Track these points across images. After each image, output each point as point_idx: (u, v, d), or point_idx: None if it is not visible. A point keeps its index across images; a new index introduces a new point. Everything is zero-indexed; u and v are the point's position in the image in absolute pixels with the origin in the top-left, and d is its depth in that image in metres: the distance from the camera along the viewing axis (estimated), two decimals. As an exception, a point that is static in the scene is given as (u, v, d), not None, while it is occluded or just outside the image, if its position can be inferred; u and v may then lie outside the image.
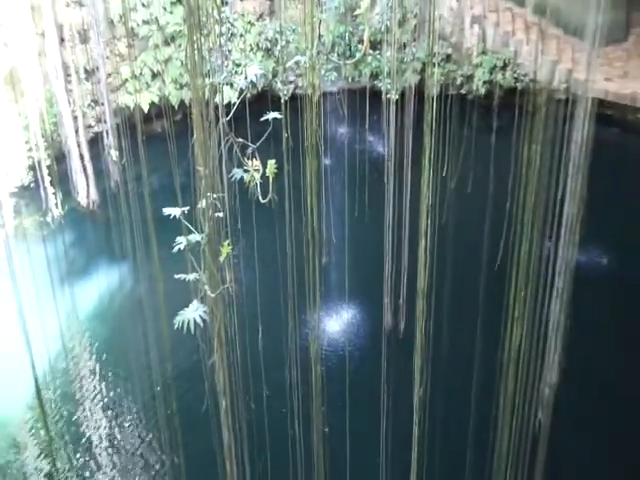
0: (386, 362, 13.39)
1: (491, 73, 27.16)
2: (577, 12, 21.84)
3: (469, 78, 27.38)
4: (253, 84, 24.45)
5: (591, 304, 18.33)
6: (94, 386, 18.65)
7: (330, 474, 10.92)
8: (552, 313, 13.49)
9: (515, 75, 26.88)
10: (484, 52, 27.66)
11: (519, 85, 26.07)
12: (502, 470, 11.14)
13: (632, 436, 17.72)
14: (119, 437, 17.57)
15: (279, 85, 24.08)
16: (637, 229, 23.39)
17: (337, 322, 19.89)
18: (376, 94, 18.71)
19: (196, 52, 8.48)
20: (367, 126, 20.53)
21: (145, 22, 25.16)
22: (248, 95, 23.23)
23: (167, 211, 8.71)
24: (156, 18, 25.19)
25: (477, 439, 13.18)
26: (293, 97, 21.72)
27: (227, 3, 25.99)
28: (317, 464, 10.60)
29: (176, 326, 7.80)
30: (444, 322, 13.55)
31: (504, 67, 27.24)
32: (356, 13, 23.98)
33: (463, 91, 26.87)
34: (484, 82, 27.07)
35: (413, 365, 10.60)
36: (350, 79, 26.65)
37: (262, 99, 24.44)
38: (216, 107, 9.21)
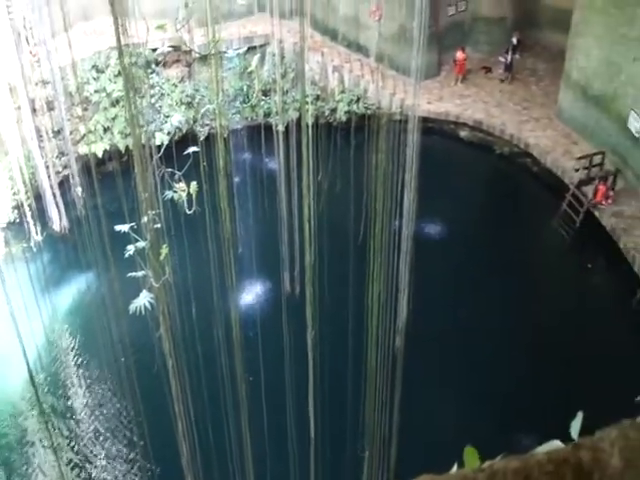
0: (287, 317, 13.40)
1: (349, 105, 26.98)
2: (405, 57, 21.99)
3: (334, 110, 27.06)
4: (179, 129, 24.10)
5: (428, 261, 18.59)
6: (75, 363, 18.25)
7: (252, 407, 11.02)
8: (401, 269, 13.72)
9: (366, 105, 26.72)
10: (343, 91, 27.48)
11: (369, 112, 25.95)
12: (372, 381, 11.28)
13: (466, 354, 18.08)
14: (95, 397, 17.26)
15: (198, 128, 23.78)
16: (455, 206, 23.84)
17: (250, 294, 19.71)
18: (269, 128, 18.60)
19: (133, 110, 8.33)
20: (263, 151, 20.42)
21: (96, 91, 24.65)
22: (176, 137, 22.94)
23: (118, 228, 8.59)
24: (104, 87, 24.72)
25: (354, 362, 13.27)
26: (210, 136, 21.42)
27: (156, 72, 25.63)
28: (242, 405, 10.59)
29: (131, 312, 7.69)
30: (326, 284, 13.53)
31: (358, 100, 27.11)
32: (249, 70, 23.83)
33: (330, 120, 26.92)
34: (344, 112, 26.76)
35: (306, 316, 10.64)
36: (249, 119, 26.31)
37: (187, 139, 24.21)
38: (151, 148, 9.09)
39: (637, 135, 21.97)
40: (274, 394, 14.24)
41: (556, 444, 1.49)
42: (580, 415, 3.16)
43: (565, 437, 1.51)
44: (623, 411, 1.42)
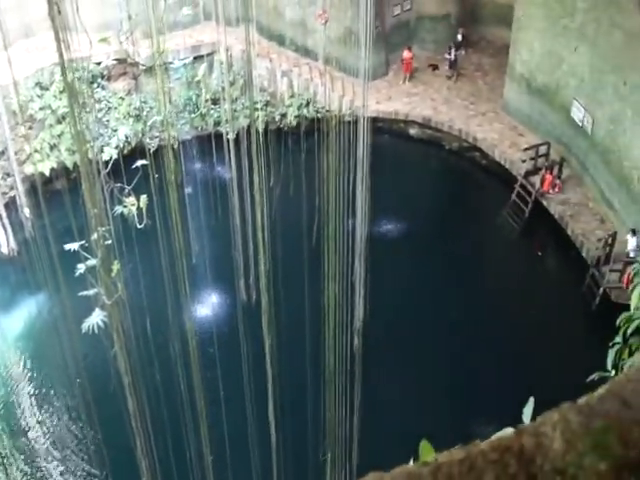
0: (244, 325, 13.29)
1: (299, 109, 26.98)
2: (352, 59, 22.07)
3: (284, 115, 27.04)
4: (128, 142, 23.87)
5: (384, 259, 18.69)
6: (28, 387, 17.82)
7: (211, 418, 10.91)
8: (356, 269, 13.75)
9: (316, 109, 26.67)
10: (293, 95, 27.46)
11: (319, 115, 25.91)
12: (332, 383, 11.27)
13: (423, 349, 18.24)
14: (51, 420, 16.92)
15: (147, 140, 23.57)
16: (408, 202, 24.05)
17: (206, 304, 19.57)
18: (219, 136, 18.50)
19: (79, 126, 8.20)
20: (215, 160, 20.28)
21: (41, 108, 24.21)
22: (125, 151, 22.66)
23: (68, 246, 8.44)
24: (49, 104, 24.27)
25: (313, 365, 13.26)
26: (160, 147, 21.27)
27: (102, 86, 25.32)
28: (201, 417, 10.49)
29: (84, 331, 7.55)
30: (282, 289, 13.49)
31: (307, 104, 27.10)
32: (196, 80, 23.68)
33: (281, 125, 26.89)
34: (295, 117, 26.78)
35: (262, 323, 10.58)
36: (199, 128, 26.01)
37: (137, 152, 23.90)
38: (99, 164, 8.96)
39: (580, 124, 22.40)
40: (234, 403, 14.18)
41: (509, 431, 1.48)
42: (532, 401, 3.17)
43: (520, 423, 1.51)
44: (575, 394, 1.42)
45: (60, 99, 23.59)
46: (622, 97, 20.22)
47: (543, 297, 20.41)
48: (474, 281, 20.65)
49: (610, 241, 19.85)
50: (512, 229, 22.69)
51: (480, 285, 20.61)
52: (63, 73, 7.89)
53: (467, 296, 19.94)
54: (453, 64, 27.91)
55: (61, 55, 7.76)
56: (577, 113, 22.57)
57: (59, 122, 24.12)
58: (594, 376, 6.58)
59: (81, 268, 7.84)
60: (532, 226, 22.46)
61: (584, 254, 20.60)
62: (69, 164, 23.41)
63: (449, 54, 27.78)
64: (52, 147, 24.28)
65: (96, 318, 7.59)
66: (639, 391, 1.36)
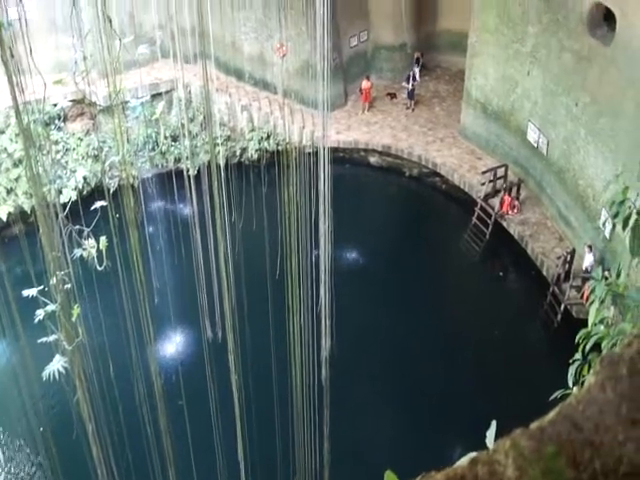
0: (210, 363, 13.12)
1: (260, 143, 26.99)
2: (311, 91, 22.22)
3: (245, 149, 27.06)
4: (87, 183, 23.66)
5: (348, 288, 18.69)
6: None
7: (179, 460, 10.69)
8: (321, 300, 13.70)
9: (276, 141, 26.74)
10: (253, 129, 27.52)
11: (280, 148, 26.02)
12: (300, 415, 11.16)
13: (390, 376, 18.21)
14: (13, 470, 16.33)
15: (107, 180, 23.40)
16: (371, 230, 24.17)
17: (171, 345, 19.30)
18: (180, 173, 18.39)
19: (35, 170, 8.09)
20: (176, 197, 20.17)
21: (-4, 152, 24.08)
22: (84, 192, 22.45)
23: (26, 293, 8.28)
24: (5, 148, 24.04)
25: (282, 398, 13.12)
26: (120, 187, 21.13)
27: (59, 127, 25.10)
28: (168, 459, 10.28)
29: (45, 378, 7.37)
30: (247, 325, 13.39)
31: (268, 137, 27.14)
32: (153, 118, 23.61)
33: (242, 159, 26.89)
34: (256, 150, 26.79)
35: (229, 360, 10.46)
36: (160, 166, 25.83)
37: (97, 192, 23.59)
38: (56, 207, 8.83)
39: (536, 145, 22.79)
40: (202, 444, 13.95)
41: (465, 460, 1.47)
42: (494, 424, 3.14)
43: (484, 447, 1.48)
44: (539, 413, 1.41)
45: (16, 142, 23.33)
46: (574, 117, 20.61)
47: (506, 317, 20.60)
48: (438, 305, 20.76)
49: (569, 258, 20.14)
50: (474, 251, 22.91)
51: (444, 309, 20.73)
52: (17, 116, 7.79)
53: (431, 321, 20.03)
54: (411, 94, 28.28)
55: (15, 98, 7.67)
56: (532, 135, 22.95)
57: (16, 165, 23.82)
58: (557, 394, 6.60)
59: (40, 314, 7.69)
60: (493, 247, 22.72)
61: (544, 272, 20.86)
62: (27, 207, 23.08)
63: (407, 83, 28.15)
64: (9, 191, 23.94)
65: (57, 364, 7.42)
66: (589, 413, 1.36)
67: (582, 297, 18.75)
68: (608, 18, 19.19)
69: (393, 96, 29.06)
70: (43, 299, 7.67)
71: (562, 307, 19.60)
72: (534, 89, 22.56)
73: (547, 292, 20.21)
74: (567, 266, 20.13)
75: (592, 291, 6.94)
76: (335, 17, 25.74)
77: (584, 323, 7.15)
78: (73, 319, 7.71)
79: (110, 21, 9.00)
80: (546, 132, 22.18)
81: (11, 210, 23.36)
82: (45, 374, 7.34)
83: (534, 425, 1.36)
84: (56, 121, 24.89)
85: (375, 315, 20.12)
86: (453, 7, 29.52)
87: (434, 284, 21.54)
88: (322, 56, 16.70)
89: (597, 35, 19.59)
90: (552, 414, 1.38)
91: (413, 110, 28.31)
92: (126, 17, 25.75)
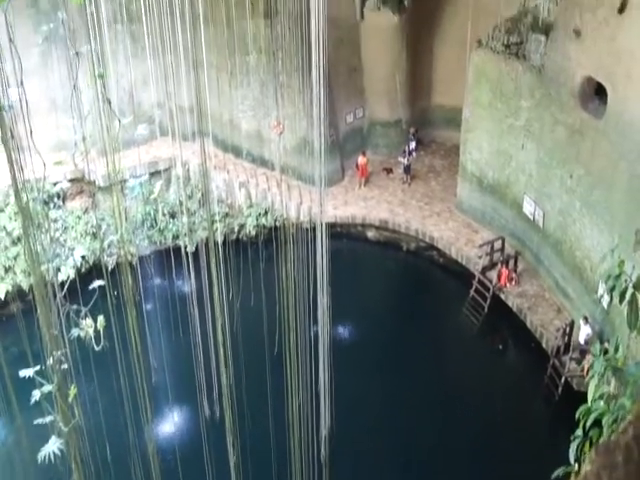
0: (208, 442, 12.95)
1: (257, 219, 27.26)
2: (308, 167, 22.55)
3: (242, 226, 27.32)
4: (85, 260, 23.78)
5: (347, 364, 18.47)
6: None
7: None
8: (320, 376, 13.60)
9: (274, 217, 27.09)
10: (251, 205, 27.83)
11: (277, 223, 26.25)
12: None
13: (391, 453, 17.97)
14: None
15: (105, 257, 23.53)
16: (369, 305, 24.16)
17: (168, 424, 19.09)
18: (178, 250, 18.52)
19: (33, 250, 8.15)
20: (174, 274, 20.22)
21: (-5, 231, 24.30)
22: (82, 269, 22.48)
23: (22, 373, 8.24)
24: (4, 226, 24.24)
25: (280, 475, 12.91)
26: (119, 264, 21.20)
27: (59, 205, 25.38)
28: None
29: (40, 461, 7.28)
30: (245, 402, 13.23)
31: (266, 213, 27.43)
32: (152, 197, 23.87)
33: (240, 235, 27.06)
34: (254, 226, 27.03)
35: (227, 439, 10.33)
36: (158, 243, 25.93)
37: (95, 269, 23.65)
38: (54, 286, 8.86)
39: (532, 218, 23.02)
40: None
41: None
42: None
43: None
44: None
45: (15, 220, 23.55)
46: (569, 190, 20.88)
47: (507, 390, 20.46)
48: (438, 380, 20.62)
49: (568, 330, 20.11)
50: (472, 324, 22.89)
51: (444, 383, 20.57)
52: (17, 195, 7.91)
53: (431, 396, 19.89)
54: (407, 169, 28.70)
55: (14, 177, 7.80)
56: (528, 207, 23.20)
57: (14, 244, 23.96)
58: (559, 472, 6.53)
59: (36, 395, 7.64)
60: (492, 320, 22.71)
61: (544, 344, 20.81)
62: (25, 286, 23.12)
63: (403, 157, 28.60)
64: (7, 269, 24.05)
65: (52, 446, 7.34)
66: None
67: (582, 370, 18.67)
68: (599, 92, 19.67)
69: (389, 171, 29.48)
70: (39, 379, 7.63)
71: (562, 380, 19.51)
72: (529, 162, 22.93)
73: (547, 364, 20.12)
74: (566, 338, 20.09)
75: (591, 366, 6.94)
76: (331, 95, 26.37)
77: (585, 396, 7.13)
78: (70, 400, 7.66)
79: (109, 102, 9.22)
80: (542, 204, 22.43)
81: (9, 288, 23.39)
82: (41, 456, 7.25)
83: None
84: (55, 199, 25.17)
85: (375, 390, 19.96)
86: (447, 83, 30.26)
87: (434, 358, 21.44)
88: (318, 133, 17.02)
89: (589, 109, 20.03)
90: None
91: (409, 185, 28.69)
92: (125, 96, 26.34)
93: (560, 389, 19.46)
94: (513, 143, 23.53)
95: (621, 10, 17.68)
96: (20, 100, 8.80)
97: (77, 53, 7.96)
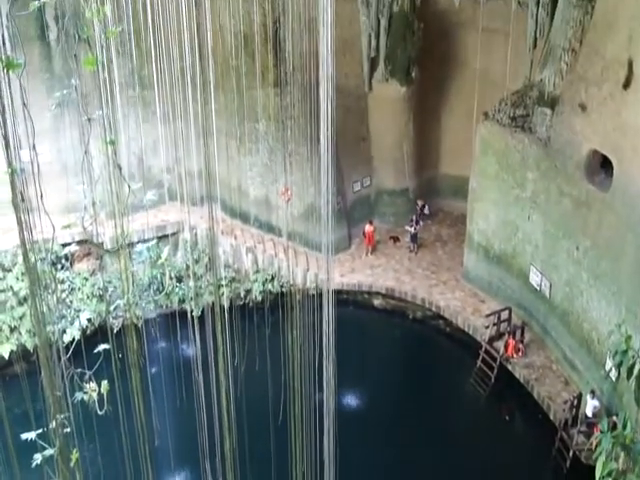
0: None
1: (264, 285, 27.29)
2: (315, 234, 22.73)
3: (249, 291, 27.32)
4: (91, 322, 23.74)
5: (353, 433, 18.24)
6: None
7: None
8: (325, 445, 13.44)
9: (281, 283, 27.10)
10: (258, 271, 27.89)
11: (284, 290, 26.25)
12: None
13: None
14: None
15: (111, 320, 23.56)
16: (375, 373, 23.97)
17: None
18: (184, 314, 18.51)
19: (40, 312, 8.18)
20: (179, 338, 20.19)
21: (2, 290, 24.24)
22: (88, 331, 22.43)
23: (24, 436, 8.17)
24: (11, 286, 24.32)
25: None
26: (124, 327, 21.16)
27: (66, 266, 25.49)
28: None
29: (39, 531, 7.17)
30: (248, 469, 13.06)
31: (272, 279, 27.48)
32: (159, 262, 23.98)
33: (246, 301, 27.03)
34: (260, 292, 27.02)
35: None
36: (164, 306, 25.76)
37: (100, 332, 23.59)
38: (59, 349, 8.86)
39: (538, 288, 23.00)
40: None
41: None
42: None
43: None
44: None
45: (22, 280, 23.64)
46: (576, 261, 20.93)
47: (514, 462, 20.16)
48: (444, 451, 20.34)
49: (576, 403, 19.90)
50: (479, 395, 22.68)
51: (450, 453, 20.27)
52: (25, 256, 7.99)
53: (437, 466, 19.59)
54: (414, 238, 28.88)
55: (22, 240, 7.89)
56: (535, 278, 23.22)
57: (20, 304, 24.03)
58: None
59: (38, 458, 7.58)
60: (499, 391, 22.53)
61: (551, 416, 20.57)
62: (30, 346, 23.11)
63: (410, 226, 28.80)
64: (12, 329, 24.03)
65: (52, 514, 7.24)
66: None
67: (591, 444, 18.39)
68: (605, 165, 19.91)
69: (396, 239, 29.65)
70: (41, 443, 7.57)
71: (571, 453, 19.28)
72: (535, 233, 23.06)
73: (555, 437, 19.88)
74: (574, 411, 19.86)
75: (599, 443, 6.87)
76: (339, 163, 26.73)
77: (593, 470, 7.03)
78: (71, 464, 7.59)
79: (120, 168, 9.38)
80: (548, 275, 22.45)
81: (13, 348, 23.34)
82: (40, 522, 7.15)
83: None
84: (63, 261, 25.29)
85: (380, 460, 19.67)
86: (454, 153, 30.69)
87: (440, 429, 21.18)
88: (326, 201, 17.22)
89: (595, 181, 20.26)
90: None
91: (416, 253, 28.82)
92: (135, 160, 26.73)
93: (568, 462, 19.20)
94: (519, 214, 23.71)
95: (626, 85, 18.06)
96: (32, 163, 8.98)
97: (89, 119, 8.15)
